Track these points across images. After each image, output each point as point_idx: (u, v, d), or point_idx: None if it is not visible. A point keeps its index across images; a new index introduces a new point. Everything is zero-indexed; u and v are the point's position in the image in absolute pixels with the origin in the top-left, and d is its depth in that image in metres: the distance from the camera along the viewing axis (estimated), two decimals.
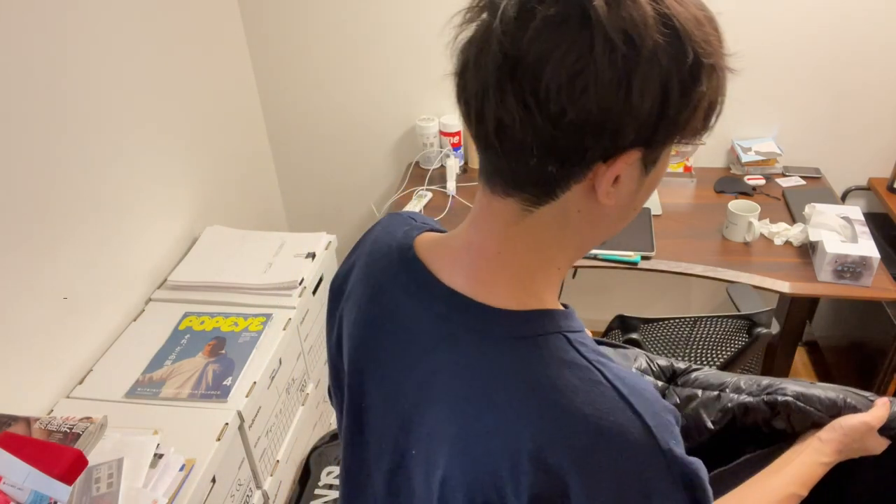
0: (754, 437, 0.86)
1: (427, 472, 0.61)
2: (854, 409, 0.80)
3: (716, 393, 0.88)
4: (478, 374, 0.56)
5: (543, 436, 0.52)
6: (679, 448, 0.53)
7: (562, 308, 0.59)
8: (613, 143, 0.49)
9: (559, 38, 0.46)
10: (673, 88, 0.48)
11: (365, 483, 0.73)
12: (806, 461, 0.77)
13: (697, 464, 0.54)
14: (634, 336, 1.36)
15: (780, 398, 0.83)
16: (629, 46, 0.46)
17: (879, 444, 0.80)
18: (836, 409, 0.80)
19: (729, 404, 0.86)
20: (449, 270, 0.60)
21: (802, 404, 0.81)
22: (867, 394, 0.82)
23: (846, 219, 1.65)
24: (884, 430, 0.80)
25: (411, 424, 0.63)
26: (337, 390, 0.78)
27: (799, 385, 0.84)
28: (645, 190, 0.56)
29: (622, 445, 0.51)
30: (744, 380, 0.89)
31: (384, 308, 0.65)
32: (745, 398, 0.86)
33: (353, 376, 0.69)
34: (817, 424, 0.81)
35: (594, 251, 1.70)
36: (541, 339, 0.55)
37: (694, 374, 0.93)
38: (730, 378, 0.90)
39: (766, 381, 0.87)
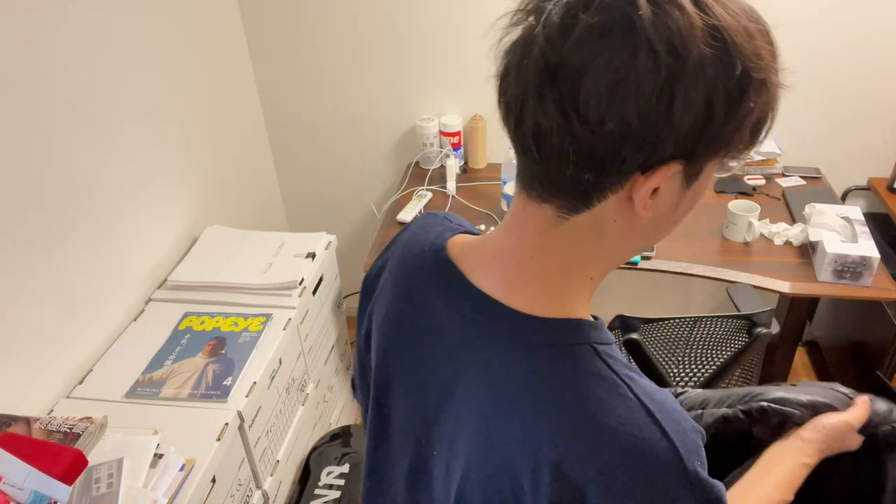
0: (746, 452, 0.85)
1: (447, 473, 0.61)
2: (833, 409, 0.80)
3: (698, 412, 0.87)
4: (502, 380, 0.55)
5: (566, 447, 0.51)
6: (704, 470, 0.51)
7: (592, 319, 0.58)
8: (652, 155, 0.48)
9: (601, 46, 0.45)
10: (718, 102, 0.46)
11: (387, 478, 0.73)
12: (790, 464, 0.77)
13: (720, 487, 0.53)
14: (634, 336, 1.36)
15: (754, 405, 0.82)
16: (673, 57, 0.45)
17: (857, 441, 0.81)
18: (815, 410, 0.80)
19: (710, 419, 0.85)
20: (480, 273, 0.60)
21: (779, 406, 0.80)
22: (847, 391, 0.83)
23: (846, 219, 1.65)
24: (863, 429, 0.80)
25: (434, 424, 0.63)
26: (363, 385, 0.78)
27: (780, 390, 0.83)
28: (686, 203, 0.55)
29: (646, 464, 0.50)
30: (727, 393, 0.88)
31: (414, 306, 0.65)
32: (723, 410, 0.85)
33: (379, 372, 0.69)
34: (798, 425, 0.81)
35: None
36: (568, 349, 0.54)
37: (680, 398, 0.92)
38: (712, 394, 0.88)
39: (745, 390, 0.86)
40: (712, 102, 0.46)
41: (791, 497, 0.75)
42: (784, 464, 0.77)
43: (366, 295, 0.76)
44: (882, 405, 0.82)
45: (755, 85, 0.48)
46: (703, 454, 0.53)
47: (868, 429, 0.80)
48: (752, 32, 0.47)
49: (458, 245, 0.64)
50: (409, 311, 0.65)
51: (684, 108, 0.46)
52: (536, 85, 0.48)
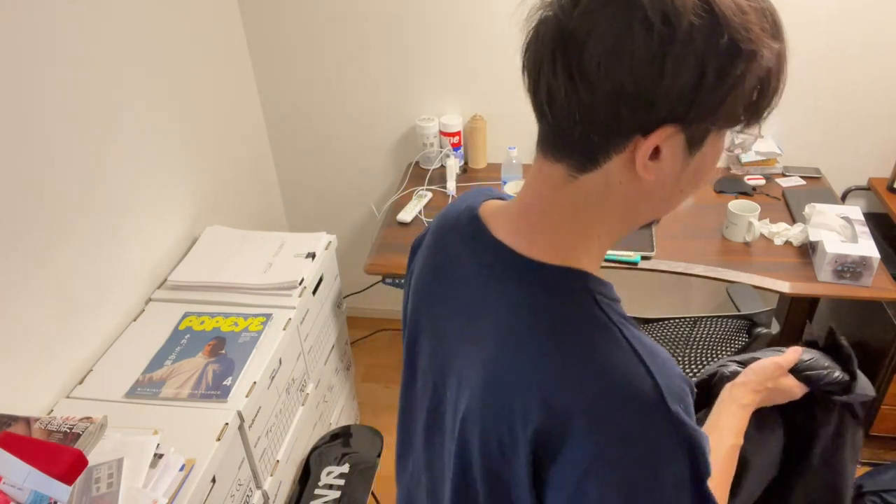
0: None
1: (454, 410, 0.66)
2: None
3: None
4: (506, 317, 0.61)
5: (556, 380, 0.56)
6: (686, 416, 0.55)
7: (597, 275, 0.62)
8: (648, 117, 0.52)
9: (604, 15, 0.50)
10: (709, 70, 0.50)
11: (412, 423, 0.79)
12: (729, 409, 0.81)
13: (703, 435, 0.56)
14: None
15: (716, 375, 0.87)
16: (666, 26, 0.49)
17: (798, 387, 0.85)
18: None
19: None
20: (501, 228, 0.65)
21: (734, 369, 0.85)
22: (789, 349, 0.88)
23: (846, 219, 1.65)
24: (797, 374, 0.85)
25: (449, 365, 0.68)
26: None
27: (739, 357, 0.89)
28: (691, 174, 0.58)
29: (630, 400, 0.54)
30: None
31: (445, 258, 0.71)
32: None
33: (411, 321, 0.77)
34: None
35: None
36: (568, 293, 0.59)
37: None
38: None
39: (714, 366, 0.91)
40: (702, 69, 0.50)
41: (740, 440, 0.78)
42: (725, 412, 0.81)
43: (410, 258, 0.83)
44: (809, 354, 0.87)
45: (744, 56, 0.51)
46: (690, 403, 0.57)
47: (798, 374, 0.85)
48: (744, 8, 0.51)
49: (489, 207, 0.70)
50: (440, 262, 0.72)
51: (675, 73, 0.50)
52: (550, 52, 0.53)
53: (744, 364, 0.86)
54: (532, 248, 0.62)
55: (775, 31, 0.55)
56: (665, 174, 0.56)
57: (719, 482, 0.74)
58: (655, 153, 0.54)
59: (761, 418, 0.86)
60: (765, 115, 0.56)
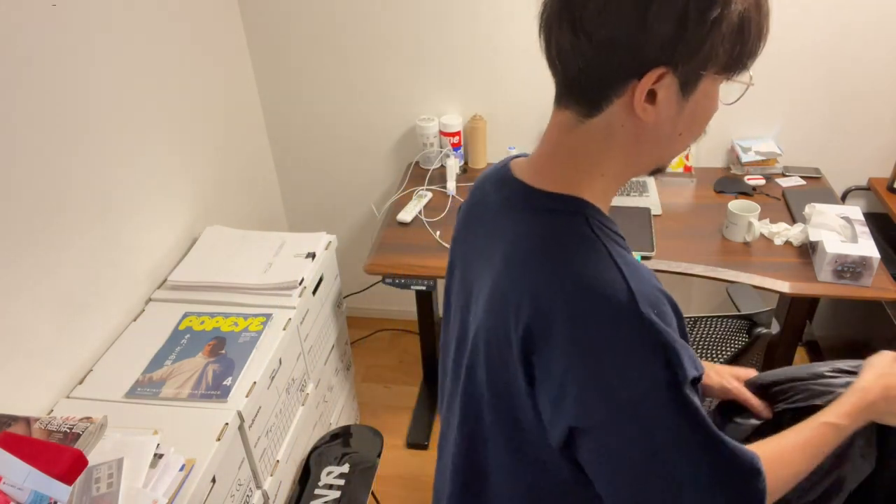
0: None
1: (474, 329, 0.74)
2: None
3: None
4: (512, 237, 0.69)
5: (542, 285, 0.63)
6: (659, 321, 0.60)
7: (596, 205, 0.69)
8: (639, 61, 0.59)
9: None
10: (690, 14, 0.56)
11: (447, 351, 0.86)
12: (810, 423, 0.77)
13: (677, 340, 0.61)
14: None
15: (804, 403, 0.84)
16: None
17: None
18: None
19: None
20: (522, 168, 0.75)
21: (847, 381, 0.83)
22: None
23: (846, 219, 1.65)
24: None
25: (473, 287, 0.77)
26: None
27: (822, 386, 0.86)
28: (688, 118, 0.64)
29: (604, 300, 0.60)
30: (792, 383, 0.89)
31: (477, 201, 0.81)
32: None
33: (450, 262, 0.87)
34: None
35: None
36: (563, 215, 0.67)
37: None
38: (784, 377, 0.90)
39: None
40: (683, 14, 0.56)
41: (843, 421, 0.75)
42: (806, 425, 0.77)
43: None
44: None
45: (717, 3, 0.57)
46: (666, 311, 0.62)
47: None
48: None
49: (520, 158, 0.79)
50: (474, 205, 0.81)
51: (658, 19, 0.57)
52: (557, 11, 0.62)
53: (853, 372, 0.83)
54: (542, 181, 0.71)
55: None
56: (662, 116, 0.63)
57: (784, 452, 0.72)
58: (652, 97, 0.61)
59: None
60: (748, 61, 0.62)
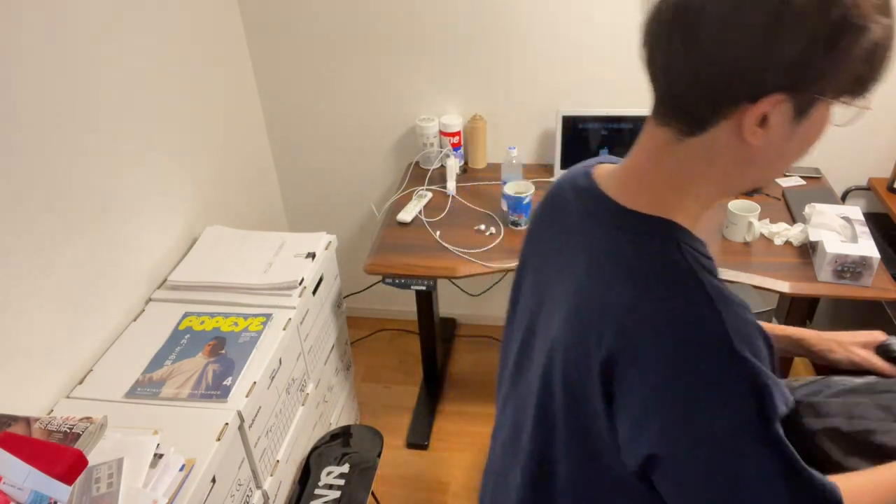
0: None
1: (545, 338, 0.74)
2: None
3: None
4: (597, 255, 0.68)
5: (629, 311, 0.61)
6: (752, 357, 0.57)
7: (688, 229, 0.67)
8: (757, 84, 0.56)
9: None
10: (819, 42, 0.53)
11: (507, 357, 0.86)
12: None
13: (770, 377, 0.57)
14: None
15: None
16: (781, 1, 0.53)
17: None
18: None
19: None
20: (608, 181, 0.72)
21: None
22: None
23: (846, 219, 1.65)
24: None
25: (546, 296, 0.76)
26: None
27: None
28: (797, 142, 0.61)
29: (696, 337, 0.58)
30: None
31: (556, 206, 0.79)
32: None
33: (521, 262, 0.86)
34: None
35: None
36: (655, 239, 0.65)
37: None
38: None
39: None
40: (812, 41, 0.53)
41: None
42: None
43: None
44: None
45: (852, 29, 0.54)
46: (759, 345, 0.60)
47: None
48: None
49: (603, 167, 0.76)
50: (551, 210, 0.80)
51: (785, 44, 0.54)
52: (668, 23, 0.58)
53: None
54: (631, 199, 0.68)
55: (885, 6, 0.57)
56: (771, 141, 0.60)
57: (877, 489, 0.69)
58: (763, 120, 0.58)
59: None
60: (872, 87, 0.60)
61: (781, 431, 0.58)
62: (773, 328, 1.00)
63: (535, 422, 0.77)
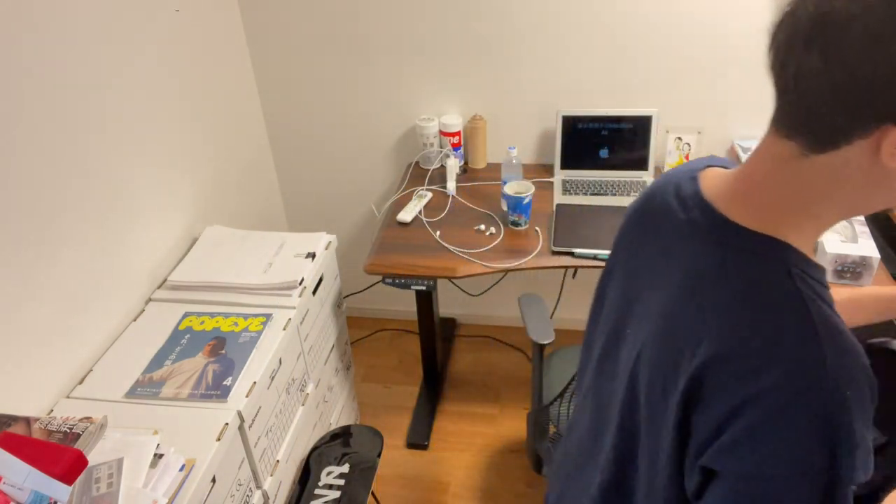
0: None
1: (633, 343, 0.71)
2: None
3: None
4: (696, 269, 0.64)
5: (723, 335, 0.58)
6: (850, 403, 0.54)
7: (803, 252, 0.62)
8: None
9: (872, 1, 0.50)
10: None
11: (589, 352, 0.85)
12: None
13: (855, 431, 0.54)
14: None
15: None
16: None
17: None
18: None
19: None
20: (715, 190, 0.67)
21: None
22: None
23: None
24: None
25: (636, 301, 0.73)
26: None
27: None
28: None
29: (792, 370, 0.55)
30: None
31: (655, 207, 0.75)
32: None
33: (611, 259, 0.83)
34: None
35: (594, 251, 1.70)
36: (763, 260, 0.61)
37: None
38: None
39: None
40: None
41: None
42: None
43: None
44: None
45: None
46: (863, 393, 0.56)
47: None
48: None
49: (711, 171, 0.71)
50: (649, 210, 0.76)
51: None
52: (806, 31, 0.54)
53: None
54: (740, 213, 0.63)
55: None
56: None
57: None
58: None
59: None
60: None
61: (850, 497, 0.56)
62: (867, 291, 0.95)
63: (617, 429, 0.75)
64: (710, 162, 0.74)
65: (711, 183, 0.69)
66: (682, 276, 0.65)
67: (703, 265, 0.64)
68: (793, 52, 0.55)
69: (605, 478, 0.79)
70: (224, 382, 1.34)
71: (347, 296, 2.64)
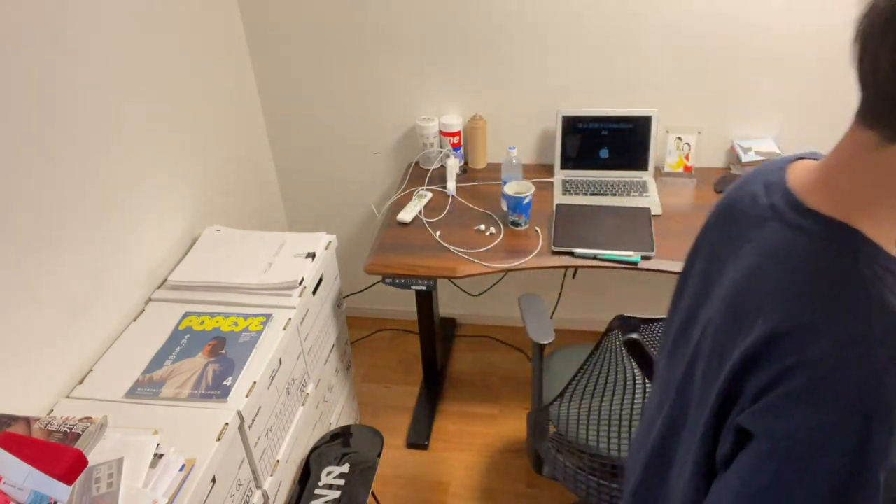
0: None
1: (699, 327, 0.75)
2: None
3: None
4: (767, 250, 0.67)
5: (784, 312, 0.60)
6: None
7: (877, 241, 0.62)
8: None
9: None
10: None
11: (667, 334, 0.87)
12: None
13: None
14: (635, 336, 1.36)
15: None
16: None
17: None
18: None
19: None
20: (798, 179, 0.70)
21: None
22: None
23: None
24: None
25: (709, 288, 0.76)
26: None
27: None
28: None
29: (844, 355, 0.56)
30: None
31: (743, 195, 0.77)
32: None
33: (695, 245, 0.85)
34: None
35: (594, 251, 1.70)
36: (833, 245, 0.62)
37: None
38: None
39: None
40: None
41: None
42: None
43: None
44: None
45: None
46: None
47: None
48: None
49: (801, 162, 0.73)
50: (738, 200, 0.78)
51: None
52: (881, 25, 0.55)
53: None
54: (816, 199, 0.65)
55: None
56: None
57: None
58: None
59: None
60: None
61: (880, 480, 0.56)
62: None
63: (672, 403, 0.79)
64: (804, 154, 0.76)
65: (797, 173, 0.71)
66: (755, 256, 0.68)
67: (775, 245, 0.66)
68: (871, 43, 0.56)
69: (654, 444, 0.82)
70: (224, 382, 1.34)
71: (347, 296, 2.64)
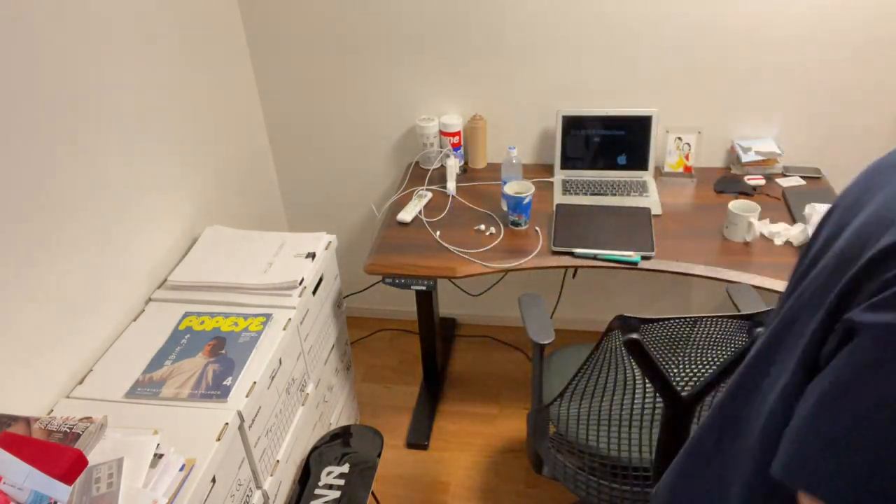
0: None
1: (809, 279, 0.74)
2: None
3: None
4: (886, 202, 0.67)
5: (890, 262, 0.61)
6: None
7: None
8: None
9: None
10: None
11: (782, 304, 0.87)
12: None
13: None
14: (634, 336, 1.36)
15: None
16: None
17: None
18: None
19: None
20: None
21: None
22: None
23: None
24: None
25: (840, 232, 0.75)
26: None
27: None
28: None
29: None
30: None
31: (885, 161, 0.77)
32: None
33: (829, 210, 0.84)
34: None
35: (594, 251, 1.70)
36: None
37: None
38: None
39: None
40: None
41: None
42: None
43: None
44: None
45: None
46: None
47: None
48: None
49: None
50: (881, 160, 0.78)
51: None
52: None
53: None
54: None
55: None
56: None
57: None
58: None
59: None
60: None
61: None
62: None
63: (786, 309, 0.79)
64: None
65: None
66: (884, 197, 0.69)
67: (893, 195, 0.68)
68: None
69: (758, 349, 0.82)
70: (224, 382, 1.34)
71: (347, 296, 2.64)
